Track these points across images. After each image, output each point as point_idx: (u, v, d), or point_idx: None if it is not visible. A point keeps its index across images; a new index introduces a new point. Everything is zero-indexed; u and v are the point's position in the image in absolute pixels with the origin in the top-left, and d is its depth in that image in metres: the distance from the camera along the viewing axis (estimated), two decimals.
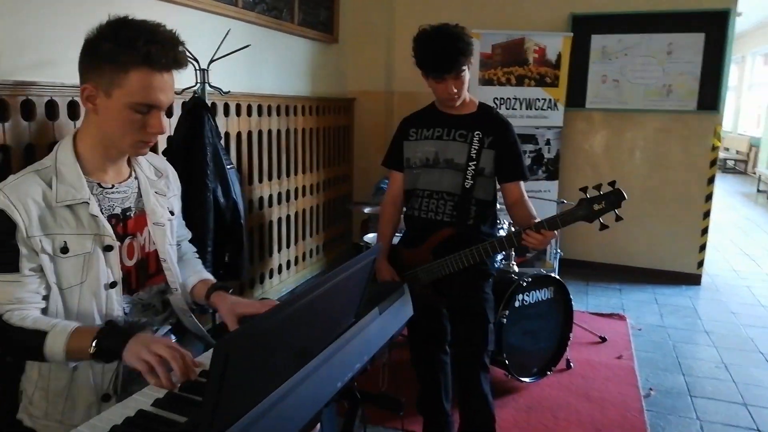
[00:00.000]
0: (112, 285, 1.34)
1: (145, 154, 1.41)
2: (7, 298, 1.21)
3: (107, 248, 1.32)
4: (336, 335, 1.09)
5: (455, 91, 1.92)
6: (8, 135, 1.96)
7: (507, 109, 4.35)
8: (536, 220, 1.79)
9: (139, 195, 1.43)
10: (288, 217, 3.98)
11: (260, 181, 3.59)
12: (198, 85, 2.16)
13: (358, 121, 5.01)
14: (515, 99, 4.34)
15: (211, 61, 2.21)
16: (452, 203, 1.99)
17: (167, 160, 1.54)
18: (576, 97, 4.53)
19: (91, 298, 1.31)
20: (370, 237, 3.20)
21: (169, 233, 1.49)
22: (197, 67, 2.16)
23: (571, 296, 2.86)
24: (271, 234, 3.77)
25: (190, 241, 1.72)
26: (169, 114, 2.51)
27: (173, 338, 1.51)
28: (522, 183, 2.04)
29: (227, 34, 2.26)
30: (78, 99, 2.15)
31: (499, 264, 2.99)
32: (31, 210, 1.21)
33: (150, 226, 1.44)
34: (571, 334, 2.88)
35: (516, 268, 2.88)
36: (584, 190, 1.78)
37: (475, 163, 1.96)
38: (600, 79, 4.48)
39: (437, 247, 1.98)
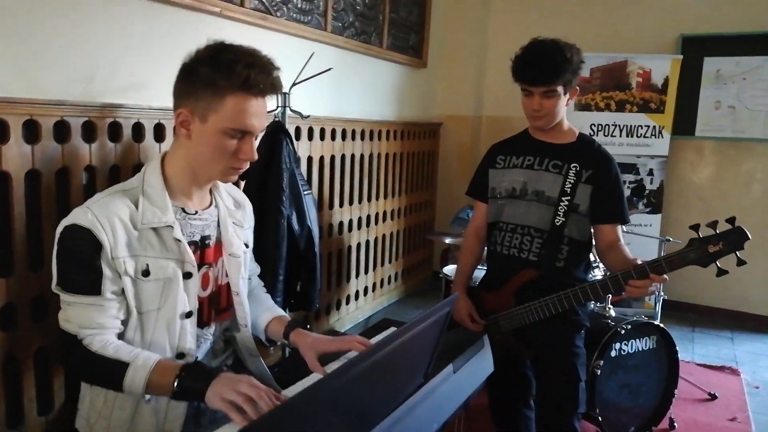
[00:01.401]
0: (188, 315, 1.29)
1: (234, 180, 1.37)
2: (88, 323, 1.18)
3: (187, 275, 1.27)
4: (401, 400, 0.94)
5: (539, 109, 1.73)
6: (95, 156, 1.98)
7: (605, 135, 4.05)
8: (638, 262, 1.56)
9: (218, 224, 1.39)
10: (367, 242, 3.89)
11: (341, 205, 3.52)
12: (279, 108, 2.11)
13: (443, 147, 4.87)
14: (614, 125, 4.04)
15: (293, 84, 2.16)
16: (540, 240, 1.79)
17: (245, 184, 1.50)
18: (684, 125, 4.15)
19: (165, 327, 1.26)
20: (451, 269, 3.03)
21: (243, 266, 1.43)
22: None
23: (677, 345, 2.54)
24: (349, 259, 3.68)
25: (260, 274, 1.65)
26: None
27: None
28: (620, 227, 1.80)
29: (310, 57, 2.21)
30: (164, 121, 2.17)
31: (593, 306, 2.72)
32: (117, 230, 1.18)
33: (225, 257, 1.39)
34: (676, 391, 2.54)
35: (612, 312, 2.59)
36: (696, 228, 1.53)
37: (569, 198, 1.75)
38: (713, 105, 4.08)
39: (520, 290, 1.78)
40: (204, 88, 1.20)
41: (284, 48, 2.83)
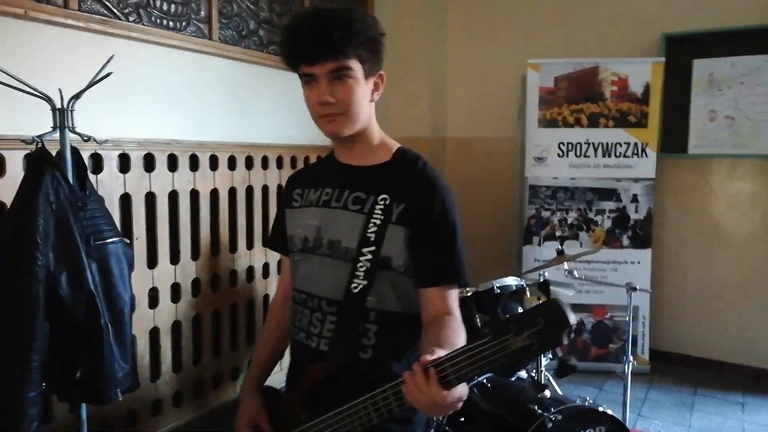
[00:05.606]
0: None
1: None
2: None
3: None
4: None
5: (331, 100, 1.12)
6: None
7: (577, 156, 3.40)
8: (430, 356, 0.91)
9: None
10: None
11: (249, 247, 2.95)
12: (51, 131, 1.55)
13: None
14: (588, 144, 3.39)
15: (75, 96, 1.61)
16: (334, 318, 1.18)
17: None
18: (674, 141, 3.46)
19: None
20: None
21: None
22: (53, 107, 1.57)
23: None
24: (253, 317, 3.05)
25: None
26: None
27: None
28: (453, 292, 1.17)
29: (108, 61, 1.67)
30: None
31: (520, 376, 2.06)
32: None
33: None
34: None
35: (547, 392, 1.91)
36: (489, 325, 0.87)
37: (373, 249, 1.14)
38: (707, 115, 3.39)
39: (314, 396, 1.15)
40: None
41: (147, 59, 2.35)
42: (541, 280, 2.41)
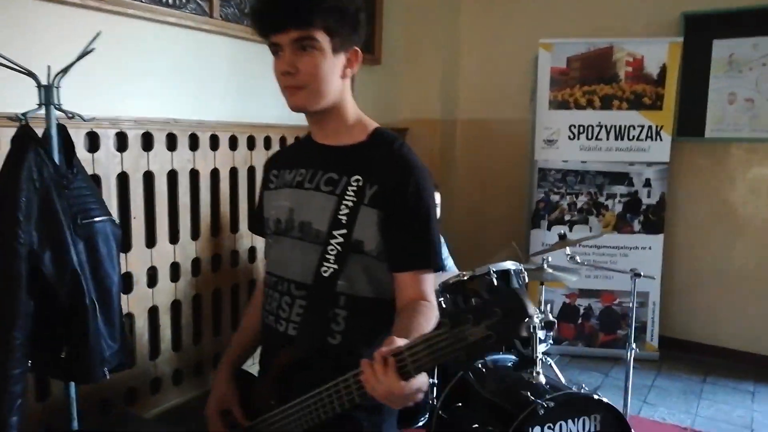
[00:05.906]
0: None
1: None
2: None
3: None
4: None
5: (293, 70, 1.08)
6: None
7: (588, 139, 3.32)
8: (387, 347, 0.88)
9: None
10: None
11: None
12: (36, 108, 1.54)
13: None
14: (600, 126, 3.30)
15: (63, 71, 1.59)
16: (303, 303, 1.16)
17: None
18: (690, 124, 3.36)
19: None
20: None
21: None
22: (38, 83, 1.55)
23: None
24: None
25: None
26: None
27: None
28: (427, 276, 1.13)
29: (95, 37, 1.64)
30: None
31: (514, 359, 2.02)
32: None
33: None
34: None
35: (542, 377, 1.87)
36: (448, 314, 0.84)
37: (344, 231, 1.11)
38: (726, 98, 3.27)
39: (282, 381, 1.13)
40: None
41: (145, 37, 2.32)
42: (545, 265, 2.37)
